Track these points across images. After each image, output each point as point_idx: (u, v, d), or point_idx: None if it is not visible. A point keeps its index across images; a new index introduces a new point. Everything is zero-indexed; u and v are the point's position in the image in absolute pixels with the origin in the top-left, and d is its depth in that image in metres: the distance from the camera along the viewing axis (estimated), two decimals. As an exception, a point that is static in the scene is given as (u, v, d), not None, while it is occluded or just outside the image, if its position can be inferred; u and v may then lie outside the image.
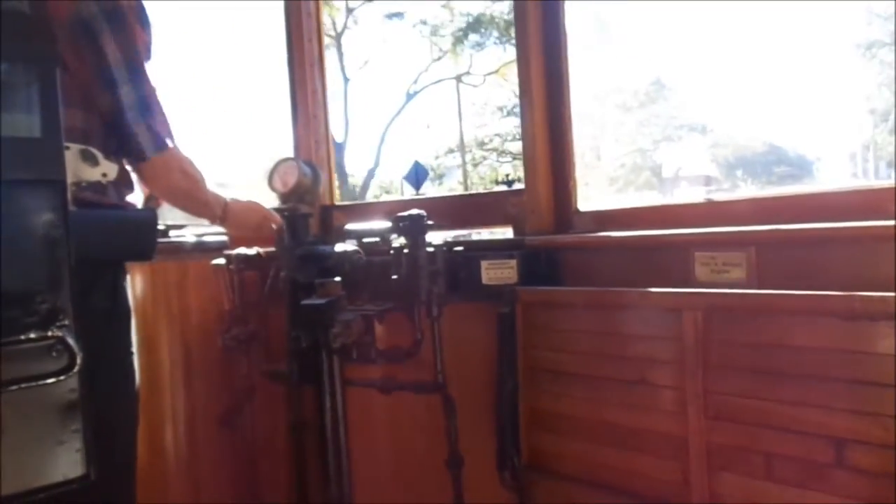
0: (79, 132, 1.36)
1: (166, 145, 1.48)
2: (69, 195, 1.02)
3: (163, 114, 1.48)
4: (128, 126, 1.41)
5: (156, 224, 1.47)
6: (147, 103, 1.43)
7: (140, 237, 1.43)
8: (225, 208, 1.68)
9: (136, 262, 1.63)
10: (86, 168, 1.22)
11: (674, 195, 18.98)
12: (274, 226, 1.88)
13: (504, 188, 16.52)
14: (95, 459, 1.02)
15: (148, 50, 1.48)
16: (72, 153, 1.22)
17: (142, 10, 1.46)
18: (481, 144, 19.44)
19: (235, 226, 1.77)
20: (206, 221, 1.77)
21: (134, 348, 1.50)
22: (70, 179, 1.11)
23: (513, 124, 18.62)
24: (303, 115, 2.40)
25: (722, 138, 20.65)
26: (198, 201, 1.62)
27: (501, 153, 19.26)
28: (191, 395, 2.23)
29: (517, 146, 18.72)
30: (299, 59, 2.40)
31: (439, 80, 18.87)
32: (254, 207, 1.83)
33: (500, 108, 19.11)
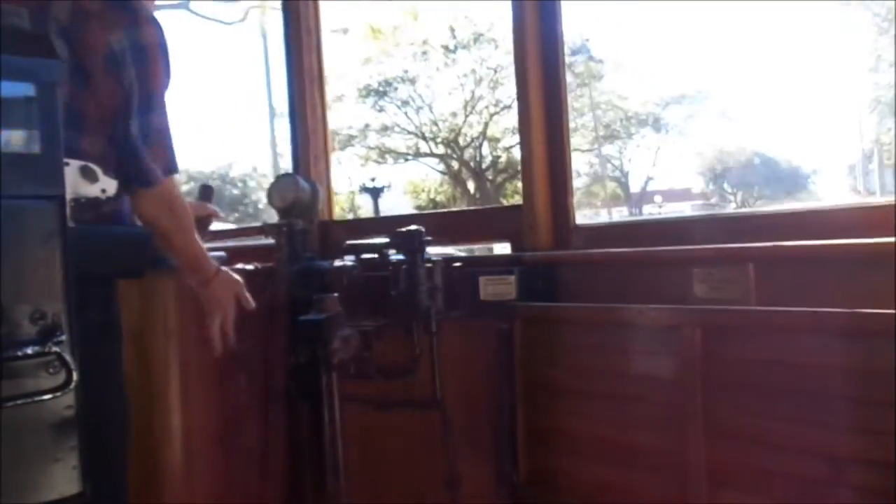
0: (100, 161, 1.36)
1: (159, 179, 1.47)
2: (68, 211, 1.02)
3: (166, 147, 1.48)
4: (131, 154, 1.42)
5: (149, 241, 1.47)
6: (151, 135, 1.44)
7: (133, 254, 1.44)
8: (217, 273, 1.63)
9: (128, 279, 1.62)
10: (85, 184, 1.23)
11: (641, 211, 15.02)
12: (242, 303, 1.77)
13: (369, 201, 12.86)
14: (91, 477, 1.01)
15: (167, 84, 1.51)
16: (71, 169, 1.22)
17: (165, 45, 1.49)
18: (347, 140, 13.09)
19: (216, 298, 1.69)
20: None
21: (125, 365, 1.49)
22: (69, 195, 1.11)
23: (371, 108, 12.98)
24: (302, 130, 2.41)
25: (704, 146, 15.80)
26: (179, 245, 1.54)
27: (384, 153, 13.59)
28: (187, 412, 2.21)
29: (397, 141, 13.36)
30: (299, 75, 2.41)
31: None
32: (235, 282, 1.73)
33: (363, 89, 13.04)
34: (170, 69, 1.50)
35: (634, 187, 15.89)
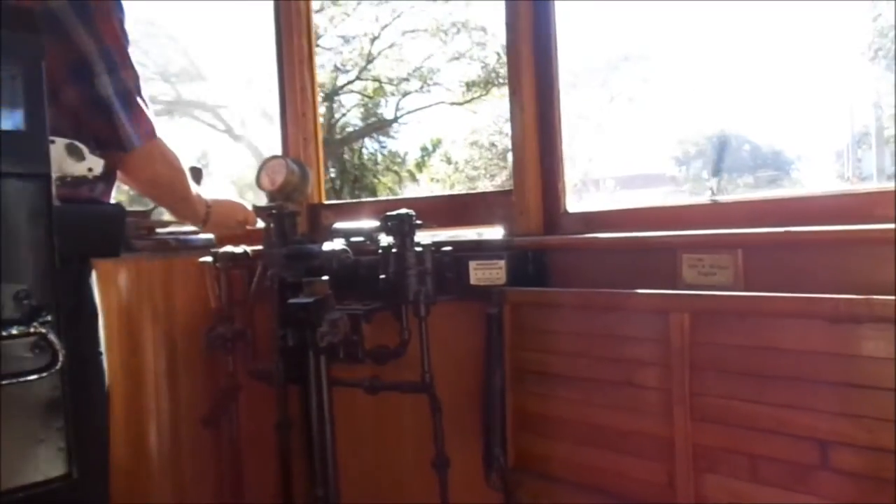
0: (55, 132, 1.33)
1: (149, 135, 1.47)
2: (54, 190, 1.00)
3: (144, 103, 1.46)
4: (108, 116, 1.39)
5: (123, 219, 1.45)
6: (127, 92, 1.42)
7: (105, 233, 1.41)
8: (208, 210, 1.71)
9: (101, 258, 1.60)
10: (71, 162, 1.21)
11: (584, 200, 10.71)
12: (249, 226, 1.93)
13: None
14: (77, 459, 1.00)
15: (126, 42, 1.46)
16: (57, 147, 1.20)
17: (118, 3, 1.44)
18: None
19: (216, 227, 1.81)
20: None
21: (103, 348, 1.46)
22: (55, 174, 1.09)
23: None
24: (292, 112, 2.39)
25: (666, 121, 12.74)
26: (180, 196, 1.63)
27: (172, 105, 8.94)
28: (175, 394, 2.21)
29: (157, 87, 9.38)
30: (289, 56, 2.39)
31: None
32: (236, 207, 1.86)
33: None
34: (124, 27, 1.45)
35: (578, 171, 11.75)
